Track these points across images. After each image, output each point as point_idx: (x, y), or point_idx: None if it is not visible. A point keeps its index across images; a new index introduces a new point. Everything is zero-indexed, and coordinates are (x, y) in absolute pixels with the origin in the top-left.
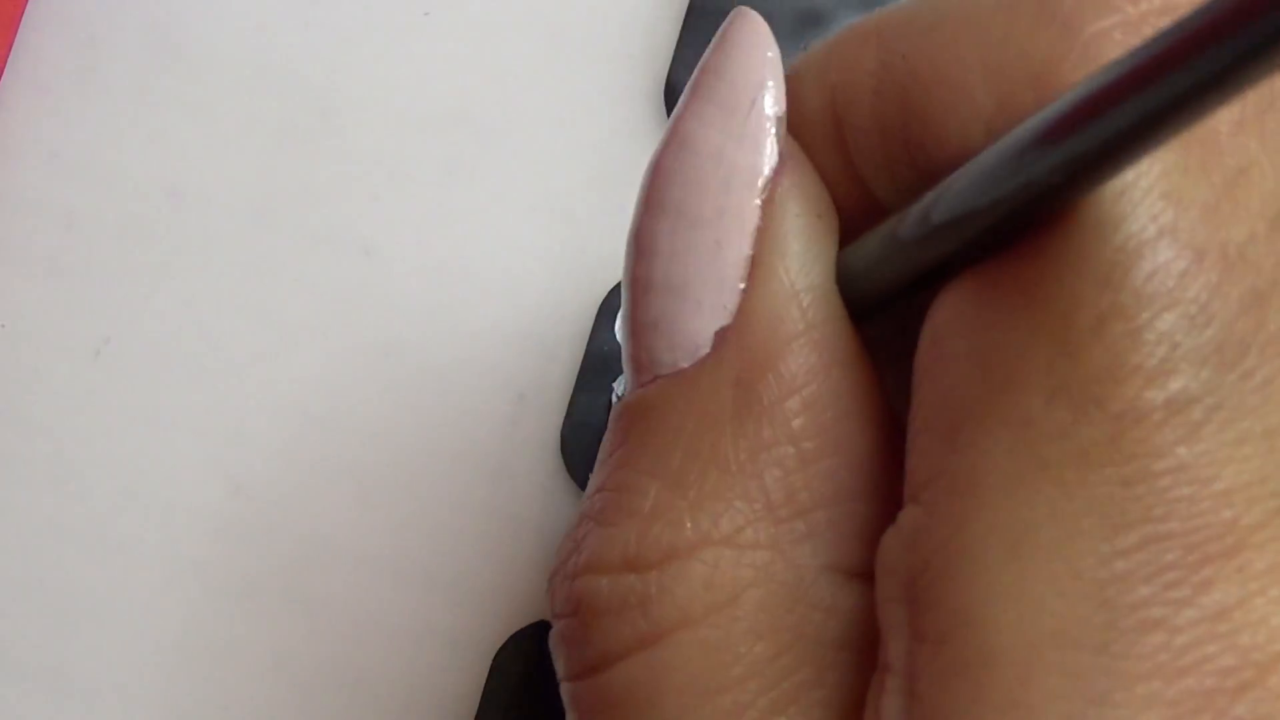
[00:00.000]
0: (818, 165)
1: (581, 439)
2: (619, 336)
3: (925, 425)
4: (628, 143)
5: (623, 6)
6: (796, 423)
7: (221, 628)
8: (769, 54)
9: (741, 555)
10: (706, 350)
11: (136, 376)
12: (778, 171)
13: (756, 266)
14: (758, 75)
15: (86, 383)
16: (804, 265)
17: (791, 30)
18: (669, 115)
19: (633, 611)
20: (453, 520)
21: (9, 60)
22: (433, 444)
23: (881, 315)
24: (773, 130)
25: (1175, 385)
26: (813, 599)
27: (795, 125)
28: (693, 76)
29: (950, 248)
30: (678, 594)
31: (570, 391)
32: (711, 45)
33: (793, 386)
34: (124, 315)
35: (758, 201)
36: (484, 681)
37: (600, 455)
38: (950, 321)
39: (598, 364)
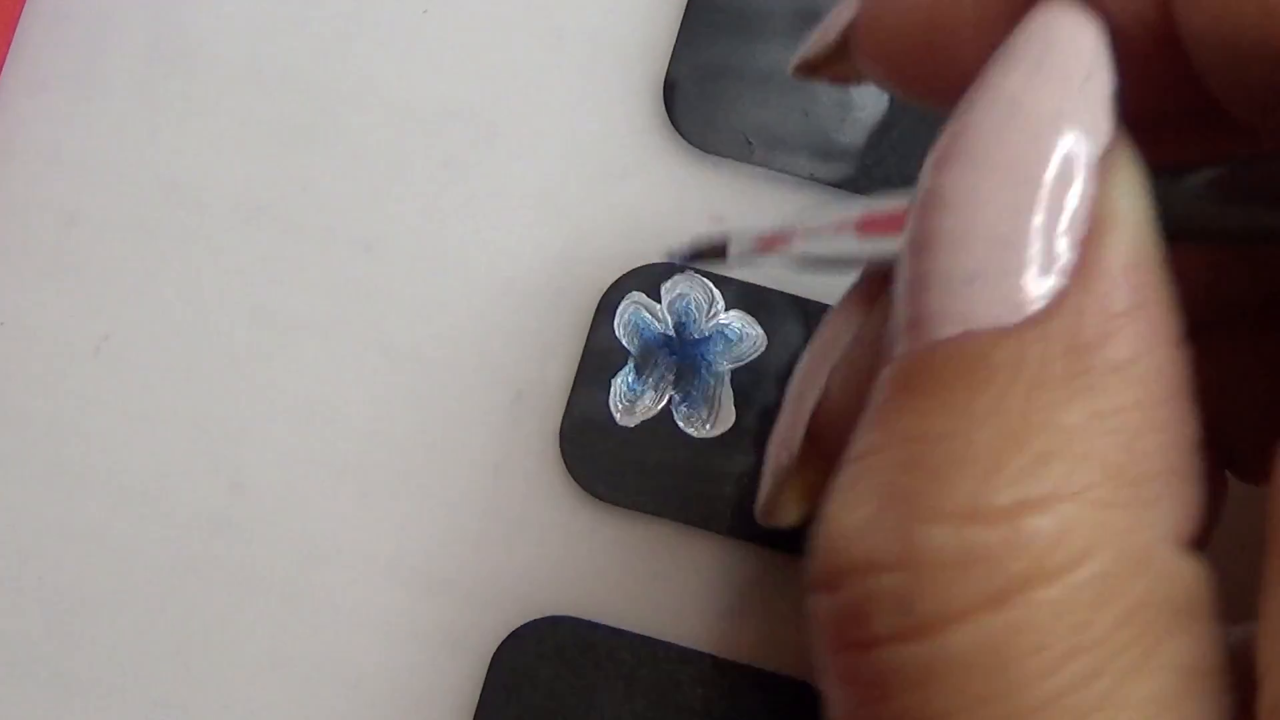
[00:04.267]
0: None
1: (580, 436)
2: (896, 290)
3: None
4: (626, 140)
5: (621, 4)
6: (1130, 395)
7: (221, 627)
8: (1096, 31)
9: (1094, 513)
10: (1036, 309)
11: (136, 374)
12: (1114, 142)
13: (1097, 235)
14: (1091, 47)
15: (86, 380)
16: (1140, 238)
17: (791, 28)
18: (668, 113)
19: (980, 566)
20: (452, 518)
21: (9, 60)
22: (432, 441)
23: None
24: (1109, 103)
25: None
26: (1157, 565)
27: None
28: (1004, 47)
29: None
30: (1030, 550)
31: (569, 389)
32: (1025, 22)
33: (1128, 358)
34: (123, 313)
35: (1096, 170)
36: (483, 680)
37: (883, 409)
38: None
39: (597, 361)
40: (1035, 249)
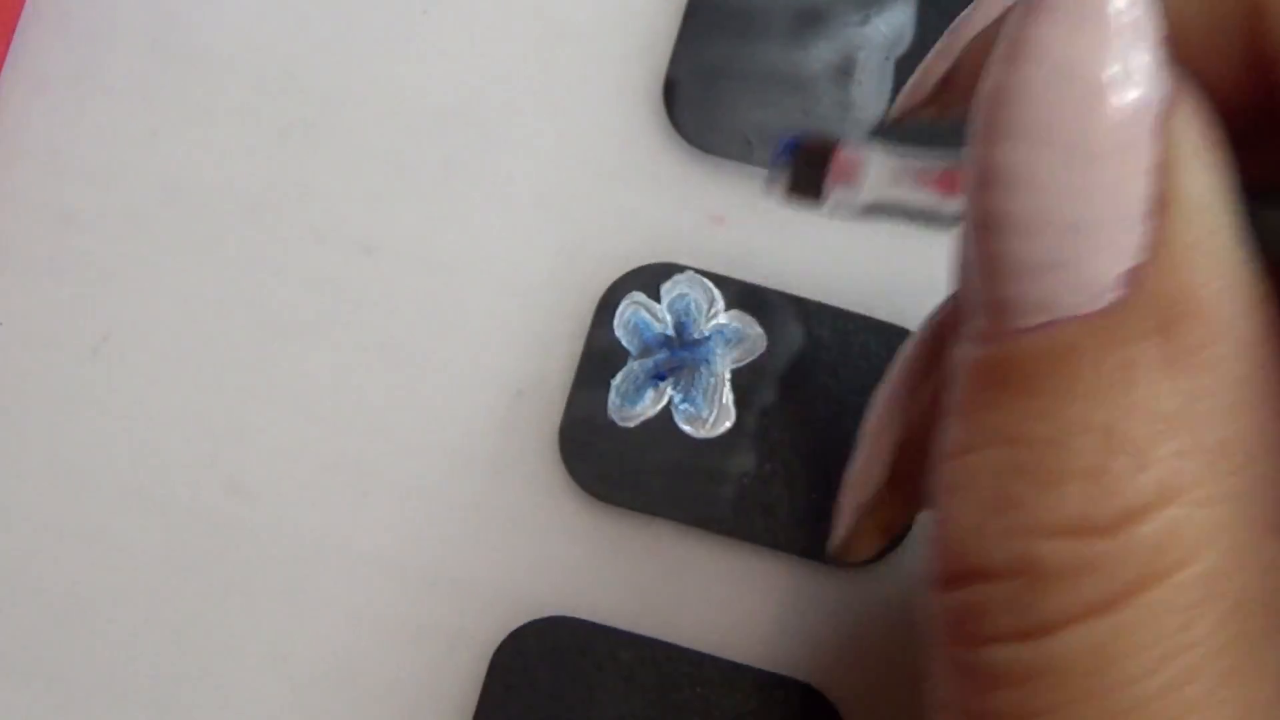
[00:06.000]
0: (1220, 61)
1: (580, 435)
2: (960, 278)
3: None
4: (626, 140)
5: (621, 4)
6: (1228, 370)
7: (221, 627)
8: None
9: (1196, 512)
10: (1114, 292)
11: (135, 375)
12: (1173, 101)
13: (1166, 205)
14: None
15: (85, 381)
16: (1212, 203)
17: (791, 29)
18: (668, 113)
19: (1090, 575)
20: (451, 517)
21: (9, 60)
22: (431, 441)
23: None
24: (1160, 50)
25: None
26: (1262, 558)
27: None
28: None
29: None
30: (1137, 557)
31: (569, 388)
32: None
33: (1221, 332)
34: (123, 313)
35: (1157, 135)
36: (482, 679)
37: (973, 401)
38: None
39: (596, 360)
40: (1107, 232)
